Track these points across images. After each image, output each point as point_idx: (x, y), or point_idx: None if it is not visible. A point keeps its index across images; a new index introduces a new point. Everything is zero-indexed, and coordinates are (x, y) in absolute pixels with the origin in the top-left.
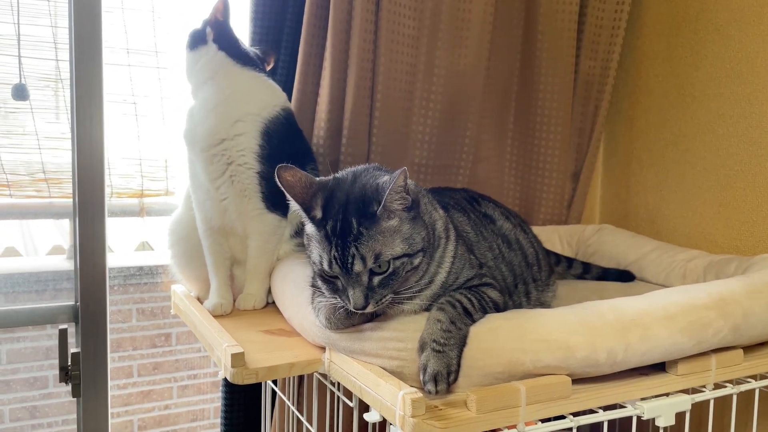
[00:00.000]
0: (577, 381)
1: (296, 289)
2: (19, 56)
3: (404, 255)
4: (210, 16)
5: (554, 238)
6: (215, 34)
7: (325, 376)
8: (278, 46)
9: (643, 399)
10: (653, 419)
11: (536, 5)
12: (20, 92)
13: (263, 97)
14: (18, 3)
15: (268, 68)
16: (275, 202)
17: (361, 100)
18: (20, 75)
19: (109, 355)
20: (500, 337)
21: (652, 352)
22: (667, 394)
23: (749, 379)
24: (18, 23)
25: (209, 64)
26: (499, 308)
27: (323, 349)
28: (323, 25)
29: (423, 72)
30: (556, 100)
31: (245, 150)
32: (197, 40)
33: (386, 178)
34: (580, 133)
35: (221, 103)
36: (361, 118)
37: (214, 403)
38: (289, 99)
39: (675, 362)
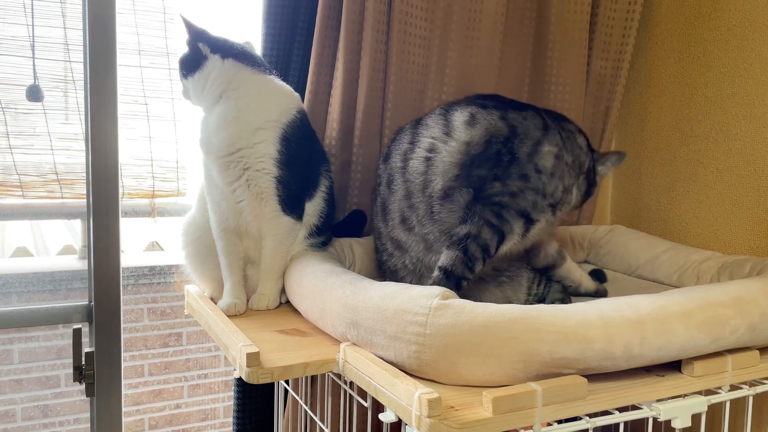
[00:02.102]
0: (593, 381)
1: (316, 280)
2: (33, 57)
3: None
4: (189, 33)
5: (566, 239)
6: (210, 46)
7: (339, 375)
8: (291, 48)
9: (659, 400)
10: (668, 421)
11: (548, 5)
12: (35, 93)
13: (281, 102)
14: (32, 5)
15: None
16: (291, 205)
17: (373, 101)
18: (34, 76)
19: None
20: (518, 327)
21: (668, 347)
22: (683, 396)
23: (765, 381)
24: (32, 25)
25: (221, 76)
26: None
27: (337, 348)
28: (336, 26)
29: (434, 72)
30: (567, 100)
31: (264, 156)
32: (196, 60)
33: None
34: (592, 134)
35: (242, 112)
36: (372, 119)
37: (224, 402)
38: (302, 99)
39: (691, 363)
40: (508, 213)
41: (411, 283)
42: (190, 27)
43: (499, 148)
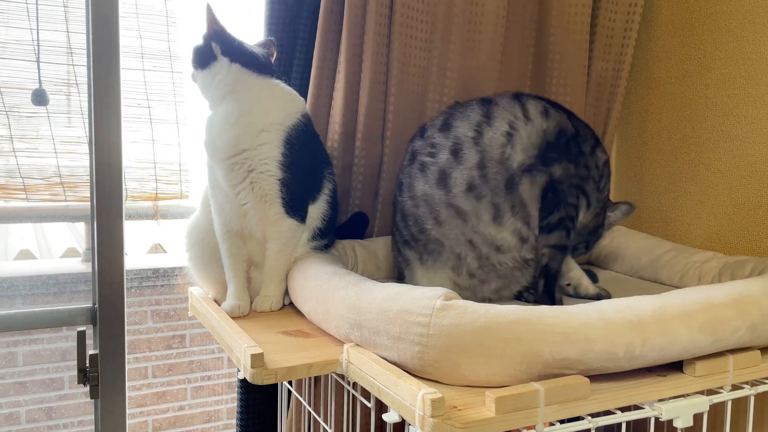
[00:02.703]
0: (595, 381)
1: (319, 281)
2: (38, 61)
3: None
4: (208, 29)
5: None
6: (222, 47)
7: (342, 376)
8: (293, 52)
9: (660, 400)
10: (670, 420)
11: (548, 8)
12: (40, 97)
13: (285, 106)
14: (37, 9)
15: (273, 59)
16: (295, 207)
17: (375, 104)
18: (39, 80)
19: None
20: (520, 328)
21: (670, 348)
22: (684, 396)
23: (767, 381)
24: (37, 29)
25: (226, 78)
26: None
27: (341, 349)
28: (338, 30)
29: (436, 75)
30: (568, 102)
31: (268, 159)
32: (206, 58)
33: None
34: None
35: (245, 114)
36: (374, 122)
37: (227, 404)
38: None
39: (693, 363)
40: (580, 193)
41: (463, 258)
42: (211, 22)
43: (569, 140)
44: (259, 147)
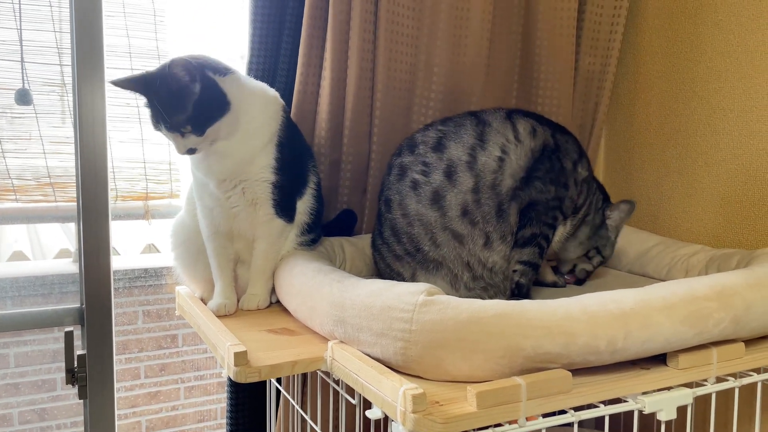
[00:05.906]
0: (577, 375)
1: (304, 279)
2: (22, 61)
3: None
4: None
5: None
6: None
7: (328, 374)
8: (278, 49)
9: (644, 393)
10: (656, 413)
11: (535, 3)
12: (23, 97)
13: (273, 112)
14: (20, 9)
15: None
16: (284, 207)
17: (362, 101)
18: (23, 80)
19: (116, 357)
20: (502, 322)
21: (652, 341)
22: (668, 388)
23: (751, 373)
24: (20, 29)
25: (234, 102)
26: None
27: (326, 346)
28: (323, 26)
29: (423, 71)
30: (556, 97)
31: (264, 167)
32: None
33: None
34: (581, 130)
35: (247, 138)
36: (361, 118)
37: (221, 403)
38: (290, 100)
39: (676, 355)
40: (558, 213)
41: (460, 276)
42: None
43: (551, 155)
44: (256, 162)
